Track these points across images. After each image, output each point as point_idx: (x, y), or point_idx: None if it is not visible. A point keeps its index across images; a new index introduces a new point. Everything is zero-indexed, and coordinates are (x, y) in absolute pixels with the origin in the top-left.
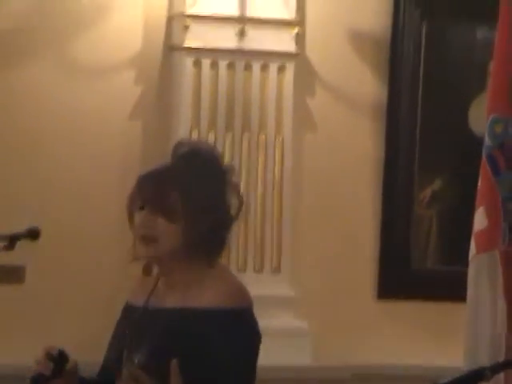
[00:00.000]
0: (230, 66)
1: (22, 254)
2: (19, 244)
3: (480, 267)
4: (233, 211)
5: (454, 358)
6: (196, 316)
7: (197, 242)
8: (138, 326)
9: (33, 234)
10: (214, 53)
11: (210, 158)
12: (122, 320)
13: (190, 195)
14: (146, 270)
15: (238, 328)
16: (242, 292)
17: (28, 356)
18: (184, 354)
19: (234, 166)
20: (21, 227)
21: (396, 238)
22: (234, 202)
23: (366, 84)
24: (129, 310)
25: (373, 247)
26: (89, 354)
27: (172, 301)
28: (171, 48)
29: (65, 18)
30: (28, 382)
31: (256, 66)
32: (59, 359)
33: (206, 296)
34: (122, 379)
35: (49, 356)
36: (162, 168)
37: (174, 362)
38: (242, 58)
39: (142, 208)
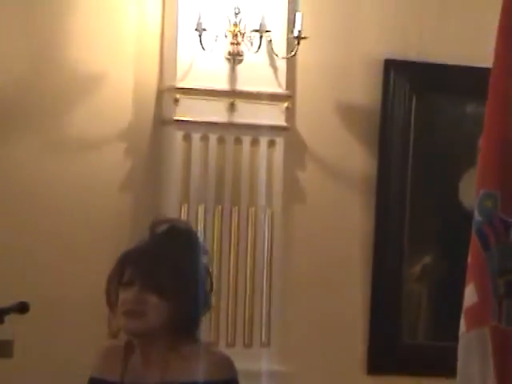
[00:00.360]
0: (220, 139)
1: (10, 329)
2: (8, 318)
3: (469, 345)
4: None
5: None
6: None
7: (185, 318)
8: None
9: (22, 308)
10: (204, 126)
11: (193, 236)
12: None
13: (180, 273)
14: (114, 335)
15: None
16: (230, 362)
17: None
18: None
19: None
20: (9, 302)
21: (386, 312)
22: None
23: (356, 157)
24: None
25: (363, 322)
26: None
27: (158, 377)
28: (161, 121)
29: (54, 91)
30: None
31: (246, 140)
32: None
33: (197, 369)
34: None
35: None
36: (148, 246)
37: None
38: (232, 131)
39: (128, 284)
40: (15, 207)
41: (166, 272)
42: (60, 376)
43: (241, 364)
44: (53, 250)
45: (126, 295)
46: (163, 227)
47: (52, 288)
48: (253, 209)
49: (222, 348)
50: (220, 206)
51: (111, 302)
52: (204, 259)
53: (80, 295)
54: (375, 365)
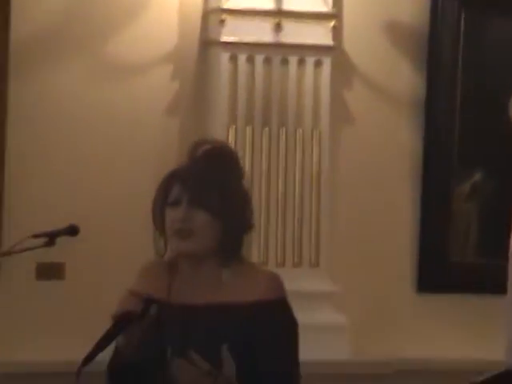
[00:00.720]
0: (267, 60)
1: (62, 251)
2: (59, 241)
3: None
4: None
5: (495, 352)
6: (247, 310)
7: (233, 239)
8: (176, 324)
9: (72, 231)
10: (251, 47)
11: (234, 156)
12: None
13: (227, 192)
14: (161, 255)
15: (287, 316)
16: (280, 281)
17: (67, 352)
18: (238, 348)
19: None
20: (61, 225)
21: (435, 231)
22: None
23: (404, 76)
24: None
25: (412, 241)
26: None
27: (207, 297)
28: (207, 43)
29: (100, 16)
30: (114, 320)
31: (293, 60)
32: (148, 301)
33: (247, 288)
34: (174, 370)
35: (138, 297)
36: (191, 165)
37: (225, 348)
38: (278, 52)
39: (175, 203)
40: (63, 132)
41: (211, 189)
42: (110, 297)
43: (290, 284)
44: (101, 173)
45: (173, 214)
46: (203, 149)
47: (102, 212)
48: (300, 130)
49: (272, 268)
50: (267, 128)
51: (157, 223)
52: (243, 181)
53: (128, 219)
54: (424, 283)
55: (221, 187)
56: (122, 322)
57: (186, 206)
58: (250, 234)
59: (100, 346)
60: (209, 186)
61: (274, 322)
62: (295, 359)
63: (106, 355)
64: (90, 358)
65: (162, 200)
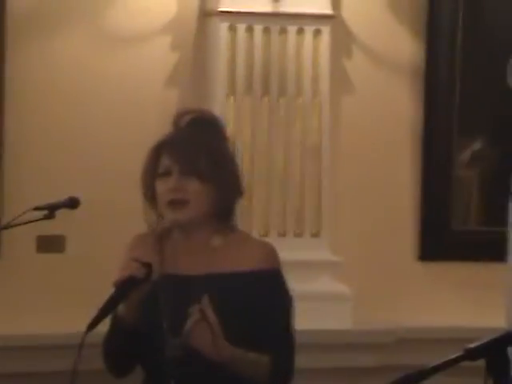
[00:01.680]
0: (266, 30)
1: (62, 224)
2: (59, 214)
3: None
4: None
5: (497, 319)
6: (242, 279)
7: (226, 205)
8: (171, 295)
9: (72, 204)
10: (249, 17)
11: (219, 122)
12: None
13: (217, 158)
14: (152, 227)
15: (282, 285)
16: (275, 251)
17: (68, 324)
18: (236, 317)
19: None
20: (60, 198)
21: (436, 199)
22: None
23: (404, 44)
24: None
25: (413, 209)
26: None
27: (201, 267)
28: (206, 13)
29: None
30: (117, 286)
31: (292, 30)
32: (149, 266)
33: (242, 257)
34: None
35: (141, 262)
36: (178, 135)
37: (205, 299)
38: (277, 21)
39: (165, 174)
40: (62, 103)
41: (201, 155)
42: (110, 271)
43: (292, 254)
44: (99, 144)
45: (165, 185)
46: (188, 117)
47: (101, 184)
48: (300, 99)
49: (274, 238)
50: (267, 97)
51: (147, 194)
52: (230, 146)
53: (128, 191)
54: (426, 251)
55: (210, 153)
56: (124, 287)
57: (178, 175)
58: (241, 200)
59: (103, 312)
60: (198, 153)
61: (269, 291)
62: (291, 327)
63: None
64: (94, 324)
65: (152, 171)
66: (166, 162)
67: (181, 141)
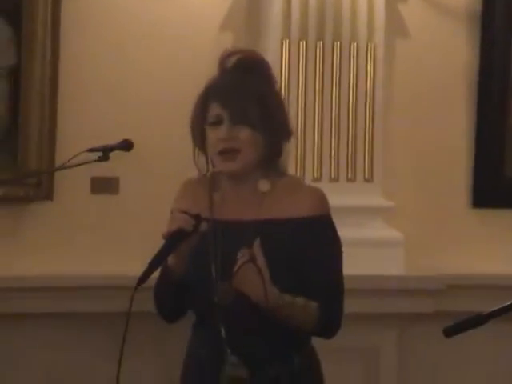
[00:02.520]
0: None
1: (116, 166)
2: (114, 156)
3: None
4: None
5: None
6: (294, 224)
7: (277, 151)
8: (222, 240)
9: (126, 146)
10: None
11: (267, 64)
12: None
13: (266, 103)
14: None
15: (332, 232)
16: (324, 196)
17: (120, 266)
18: (285, 263)
19: None
20: (114, 140)
21: (491, 146)
22: None
23: None
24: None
25: (467, 156)
26: None
27: (252, 212)
28: None
29: None
30: (166, 239)
31: None
32: (198, 218)
33: (297, 205)
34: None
35: (190, 214)
36: (226, 79)
37: (257, 244)
38: None
39: (216, 123)
40: (116, 47)
41: (250, 102)
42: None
43: (344, 199)
44: (154, 88)
45: (216, 134)
46: (234, 59)
47: (155, 127)
48: (355, 44)
49: (326, 183)
50: (321, 42)
51: (197, 141)
52: (277, 87)
53: (181, 135)
54: (479, 198)
55: (258, 98)
56: (173, 240)
57: (228, 124)
58: (290, 143)
59: (153, 265)
60: (247, 100)
61: (319, 238)
62: (340, 275)
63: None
64: (144, 278)
65: (201, 118)
66: (215, 110)
67: (229, 87)
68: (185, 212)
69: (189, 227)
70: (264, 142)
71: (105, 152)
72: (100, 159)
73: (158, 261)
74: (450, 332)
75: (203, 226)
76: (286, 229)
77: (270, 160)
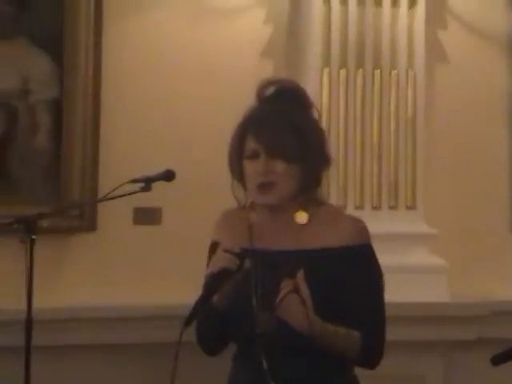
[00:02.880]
0: (360, 1)
1: (159, 196)
2: (156, 186)
3: None
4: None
5: None
6: (335, 254)
7: (313, 181)
8: (263, 269)
9: (168, 176)
10: None
11: (303, 93)
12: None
13: (302, 134)
14: (242, 204)
15: (374, 261)
16: (364, 226)
17: (162, 296)
18: (327, 293)
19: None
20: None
21: None
22: None
23: (498, 13)
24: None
25: (506, 182)
26: None
27: (292, 242)
28: None
29: None
30: (212, 277)
31: (386, 2)
32: (242, 256)
33: (338, 235)
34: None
35: (234, 253)
36: (263, 111)
37: (301, 274)
38: None
39: (253, 156)
40: (156, 73)
41: (287, 134)
42: (206, 243)
43: (387, 226)
44: (197, 115)
45: (253, 167)
46: (272, 89)
47: (196, 157)
48: (395, 71)
49: (368, 210)
50: (361, 70)
51: (235, 173)
52: (315, 115)
53: (222, 166)
54: None
55: (295, 128)
56: (218, 279)
57: (265, 158)
58: (330, 170)
59: (199, 306)
60: (283, 133)
61: (361, 267)
62: (382, 304)
63: None
64: (190, 320)
65: (238, 151)
66: (252, 144)
67: (265, 118)
68: (228, 250)
69: (233, 266)
70: (301, 173)
71: (147, 183)
72: (142, 190)
73: (203, 301)
74: (497, 360)
75: (247, 264)
76: (326, 258)
77: (309, 189)
